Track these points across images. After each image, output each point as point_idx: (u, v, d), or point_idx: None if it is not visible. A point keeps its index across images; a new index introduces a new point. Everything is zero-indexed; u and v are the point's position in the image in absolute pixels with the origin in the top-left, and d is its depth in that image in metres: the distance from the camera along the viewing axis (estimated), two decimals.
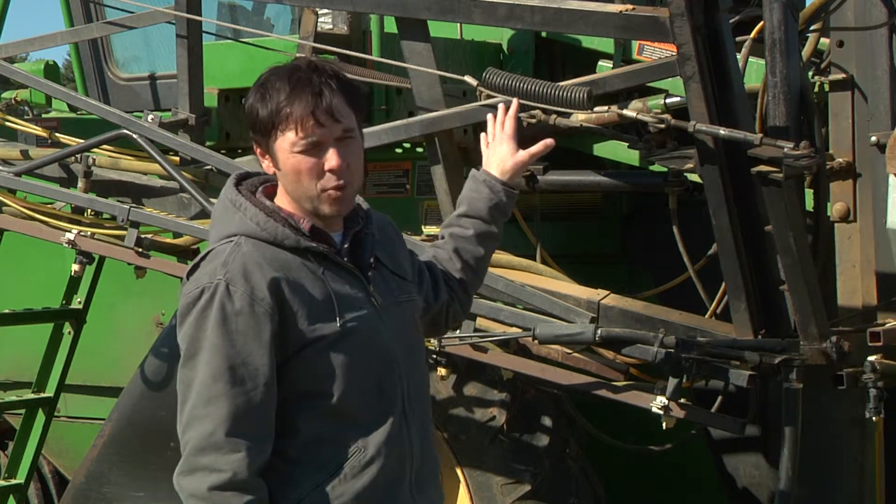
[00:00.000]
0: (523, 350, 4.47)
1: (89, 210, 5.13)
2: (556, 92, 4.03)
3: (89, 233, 5.09)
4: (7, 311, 5.72)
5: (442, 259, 3.25)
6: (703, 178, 3.92)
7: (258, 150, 2.89)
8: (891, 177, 3.86)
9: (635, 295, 4.50)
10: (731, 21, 3.94)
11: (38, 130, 5.59)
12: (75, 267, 5.23)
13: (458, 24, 5.35)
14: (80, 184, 5.19)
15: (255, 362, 2.74)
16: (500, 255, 4.58)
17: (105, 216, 5.09)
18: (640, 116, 4.10)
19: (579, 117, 4.39)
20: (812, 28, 4.23)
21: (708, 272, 4.34)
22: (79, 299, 5.53)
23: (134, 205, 5.06)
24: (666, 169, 4.44)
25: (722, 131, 3.75)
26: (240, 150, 5.38)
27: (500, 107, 3.36)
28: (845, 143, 4.09)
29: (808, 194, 4.16)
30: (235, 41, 5.54)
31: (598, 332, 4.18)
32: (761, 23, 3.92)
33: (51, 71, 6.50)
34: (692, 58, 3.72)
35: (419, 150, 5.10)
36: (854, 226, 4.10)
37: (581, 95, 3.99)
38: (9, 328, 5.98)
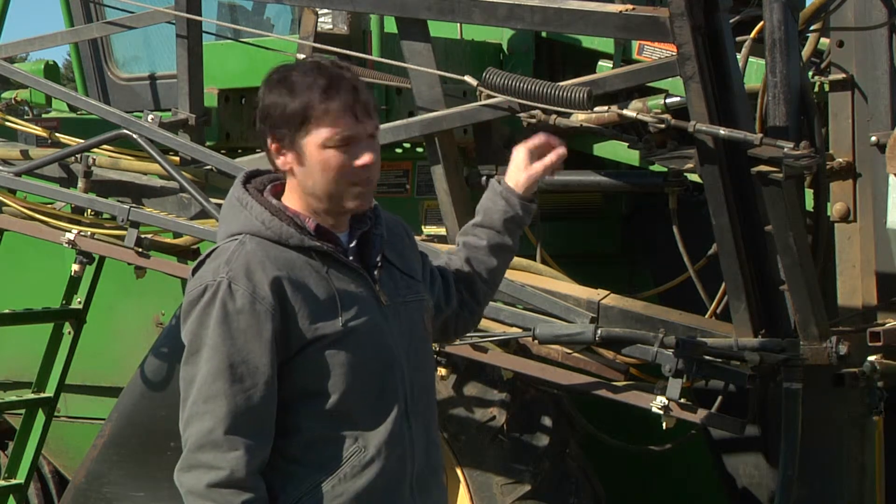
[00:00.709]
0: (523, 350, 4.47)
1: (89, 210, 5.13)
2: (556, 92, 4.03)
3: (89, 233, 5.09)
4: (7, 311, 5.72)
5: (455, 266, 3.24)
6: (703, 178, 3.92)
7: (274, 146, 2.85)
8: (891, 177, 3.86)
9: (635, 295, 4.50)
10: (731, 21, 3.94)
11: (38, 130, 5.59)
12: (75, 267, 5.23)
13: (458, 24, 5.35)
14: (80, 184, 5.19)
15: (255, 361, 2.74)
16: None
17: (105, 216, 5.09)
18: (640, 116, 4.10)
19: (579, 117, 4.39)
20: (812, 28, 4.23)
21: (708, 272, 4.34)
22: (79, 299, 5.53)
23: (134, 205, 5.06)
24: (666, 169, 4.44)
25: (722, 131, 3.75)
26: (240, 150, 5.38)
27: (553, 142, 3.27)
28: (845, 143, 4.09)
29: (808, 194, 4.16)
30: (235, 41, 5.53)
31: (598, 332, 4.18)
32: (761, 23, 3.92)
33: (51, 71, 6.49)
34: (692, 58, 3.72)
35: (419, 150, 5.10)
36: (854, 226, 4.10)
37: (581, 95, 3.99)
38: (9, 328, 5.98)
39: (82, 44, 6.32)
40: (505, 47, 5.59)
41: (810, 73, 4.22)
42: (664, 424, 4.19)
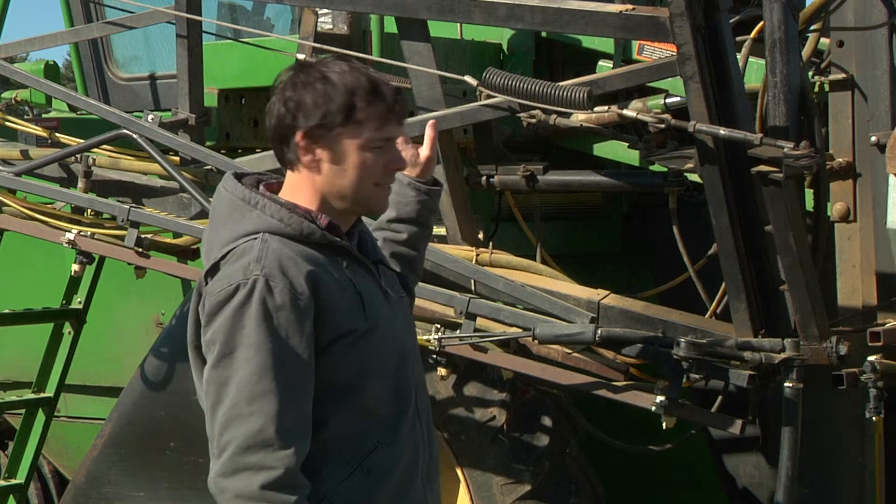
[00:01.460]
0: (523, 350, 4.47)
1: (89, 210, 5.13)
2: (556, 92, 4.03)
3: (89, 233, 5.09)
4: (7, 311, 5.72)
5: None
6: (703, 178, 3.92)
7: (304, 142, 2.80)
8: (891, 177, 3.86)
9: (635, 295, 4.50)
10: (731, 21, 3.94)
11: (38, 130, 5.58)
12: (75, 267, 5.23)
13: (458, 24, 5.35)
14: (80, 184, 5.19)
15: (299, 357, 2.72)
16: (499, 255, 4.58)
17: (105, 216, 5.09)
18: (640, 116, 4.10)
19: (579, 117, 4.39)
20: (812, 28, 4.23)
21: (708, 272, 4.34)
22: (79, 299, 5.53)
23: (134, 205, 5.06)
24: (666, 169, 4.44)
25: (722, 131, 3.75)
26: (240, 150, 5.38)
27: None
28: (845, 143, 4.09)
29: (808, 194, 4.16)
30: (235, 41, 5.54)
31: (598, 332, 4.18)
32: (761, 23, 3.92)
33: (51, 71, 6.49)
34: (692, 58, 3.72)
35: None
36: (854, 226, 4.11)
37: (581, 95, 3.99)
38: (9, 328, 5.98)
39: (82, 44, 6.32)
40: (505, 47, 5.59)
41: (810, 73, 4.22)
42: (664, 424, 4.19)
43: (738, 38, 4.10)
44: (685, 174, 4.39)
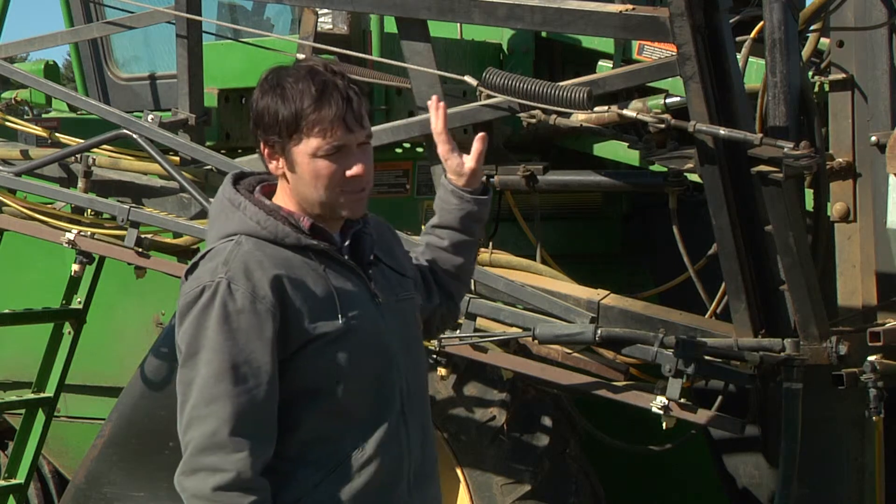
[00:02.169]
0: (523, 350, 4.47)
1: (89, 210, 5.13)
2: (556, 92, 4.03)
3: (89, 233, 5.09)
4: (7, 311, 5.72)
5: (426, 265, 3.24)
6: (703, 178, 3.92)
7: (266, 151, 2.85)
8: (891, 177, 3.86)
9: (635, 295, 4.49)
10: (731, 21, 3.94)
11: (38, 130, 5.59)
12: (75, 267, 5.23)
13: (458, 24, 5.35)
14: (80, 184, 5.19)
15: (257, 361, 2.74)
16: (499, 255, 4.59)
17: (105, 216, 5.09)
18: (640, 116, 4.10)
19: (579, 117, 4.39)
20: (812, 28, 4.23)
21: (708, 272, 4.34)
22: (79, 299, 5.53)
23: (134, 205, 5.06)
24: (666, 169, 4.44)
25: (722, 131, 3.75)
26: (240, 150, 5.38)
27: (431, 102, 3.23)
28: (845, 143, 4.09)
29: (808, 194, 4.16)
30: (235, 41, 5.53)
31: (598, 332, 4.18)
32: (761, 23, 3.92)
33: (51, 71, 6.50)
34: (692, 58, 3.72)
35: (419, 150, 5.10)
36: (854, 226, 4.10)
37: (581, 95, 3.99)
38: (9, 328, 5.98)
39: (82, 44, 6.33)
40: (505, 47, 5.59)
41: (810, 73, 4.22)
42: (664, 424, 4.19)
43: (738, 38, 4.09)
44: (685, 174, 4.39)
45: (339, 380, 2.79)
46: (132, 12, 5.52)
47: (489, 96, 4.27)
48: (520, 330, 4.39)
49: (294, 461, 2.81)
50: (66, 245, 5.09)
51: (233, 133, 5.46)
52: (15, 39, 5.77)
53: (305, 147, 2.79)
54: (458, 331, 4.43)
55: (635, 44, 5.01)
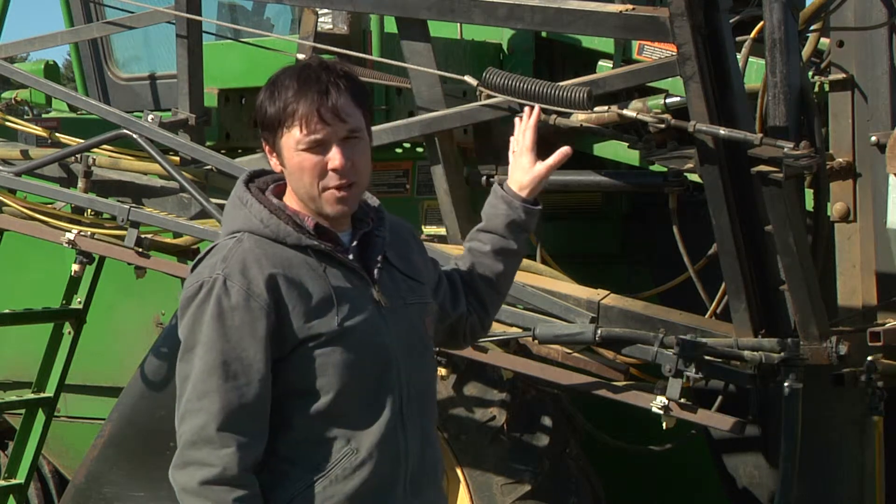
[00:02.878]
0: (523, 350, 4.47)
1: (89, 210, 5.13)
2: (556, 92, 4.03)
3: (89, 233, 5.09)
4: (7, 311, 5.72)
5: (462, 271, 3.24)
6: (703, 178, 3.92)
7: (266, 148, 2.90)
8: (891, 177, 3.86)
9: (635, 295, 4.49)
10: (731, 21, 3.94)
11: (38, 130, 5.59)
12: (75, 267, 5.23)
13: (458, 24, 5.35)
14: (80, 184, 5.19)
15: (249, 358, 2.75)
16: None
17: (105, 216, 5.09)
18: (640, 116, 4.10)
19: (579, 117, 4.39)
20: (812, 28, 4.23)
21: (708, 272, 4.34)
22: (79, 299, 5.53)
23: (134, 205, 5.06)
24: (666, 169, 4.44)
25: (722, 131, 3.75)
26: (240, 150, 5.38)
27: (526, 111, 3.29)
28: (845, 143, 4.09)
29: (808, 194, 4.16)
30: (235, 41, 5.54)
31: (598, 332, 4.18)
32: (761, 23, 3.92)
33: (51, 71, 6.50)
34: (692, 58, 3.72)
35: (419, 150, 5.09)
36: (854, 226, 4.10)
37: (581, 95, 3.99)
38: (9, 328, 5.98)
39: (82, 44, 6.33)
40: (505, 47, 5.59)
41: (810, 73, 4.22)
42: (664, 424, 4.18)
43: (738, 38, 4.09)
44: (685, 174, 4.39)
45: (333, 381, 2.79)
46: (132, 12, 5.52)
47: (489, 96, 4.27)
48: (520, 330, 4.39)
49: (288, 461, 2.81)
50: (66, 245, 5.09)
51: (233, 133, 5.46)
52: (15, 39, 5.77)
53: (289, 140, 2.82)
54: None
55: (635, 44, 5.01)
